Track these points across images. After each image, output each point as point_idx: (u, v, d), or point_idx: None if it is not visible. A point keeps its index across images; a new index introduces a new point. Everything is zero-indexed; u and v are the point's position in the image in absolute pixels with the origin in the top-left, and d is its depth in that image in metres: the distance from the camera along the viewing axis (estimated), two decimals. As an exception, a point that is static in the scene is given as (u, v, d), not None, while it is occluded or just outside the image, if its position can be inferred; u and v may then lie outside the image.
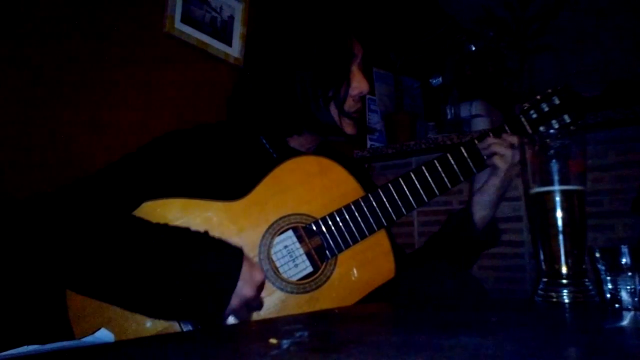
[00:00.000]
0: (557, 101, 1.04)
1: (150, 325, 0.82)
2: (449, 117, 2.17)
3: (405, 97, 2.40)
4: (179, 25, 1.53)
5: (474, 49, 2.31)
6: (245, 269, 0.78)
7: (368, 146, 2.27)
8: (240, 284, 0.77)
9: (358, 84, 1.02)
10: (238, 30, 1.71)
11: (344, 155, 1.23)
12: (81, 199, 0.84)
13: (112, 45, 1.37)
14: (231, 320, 0.83)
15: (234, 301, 0.77)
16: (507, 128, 1.03)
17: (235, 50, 1.69)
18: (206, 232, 0.81)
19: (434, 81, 2.29)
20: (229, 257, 0.78)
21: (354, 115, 1.03)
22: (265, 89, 1.00)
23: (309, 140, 1.07)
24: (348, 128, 1.03)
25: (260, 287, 0.81)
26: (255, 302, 0.82)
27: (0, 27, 1.14)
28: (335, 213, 0.94)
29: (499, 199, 1.04)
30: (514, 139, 1.01)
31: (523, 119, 1.04)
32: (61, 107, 1.24)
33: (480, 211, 1.05)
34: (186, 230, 0.81)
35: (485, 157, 1.01)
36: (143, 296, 0.76)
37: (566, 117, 1.04)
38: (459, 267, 1.09)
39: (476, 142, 1.02)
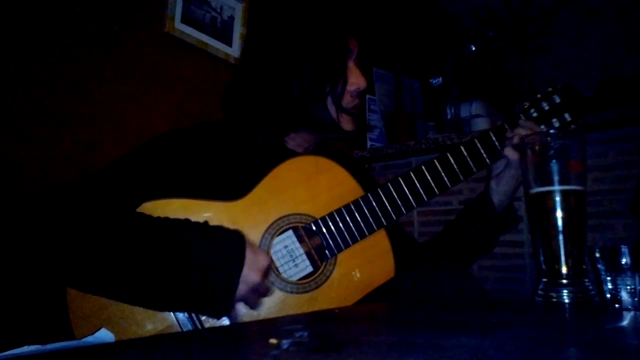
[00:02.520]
0: (557, 100, 1.04)
1: (151, 327, 0.82)
2: (449, 117, 2.18)
3: (405, 97, 2.40)
4: (179, 25, 1.53)
5: (474, 49, 2.31)
6: (248, 255, 0.78)
7: (368, 146, 2.27)
8: (245, 271, 0.76)
9: (355, 80, 1.01)
10: (238, 30, 1.71)
11: (344, 154, 1.23)
12: (80, 199, 0.84)
13: (112, 45, 1.37)
14: (241, 308, 0.83)
15: (242, 288, 0.77)
16: (507, 127, 1.03)
17: (235, 50, 1.69)
18: (205, 222, 0.81)
19: (434, 81, 2.29)
20: (231, 245, 0.78)
21: (352, 112, 1.03)
22: (262, 86, 1.00)
23: (307, 139, 1.07)
24: (346, 124, 1.02)
25: (266, 272, 0.81)
26: (263, 287, 0.82)
27: (1, 27, 1.14)
28: (334, 213, 0.94)
29: (515, 188, 1.05)
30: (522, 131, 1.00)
31: (523, 118, 1.04)
32: (61, 107, 1.24)
33: (497, 197, 1.06)
34: (186, 222, 0.80)
35: (485, 157, 1.01)
36: (147, 290, 0.76)
37: (567, 116, 1.04)
38: (476, 249, 1.11)
39: (476, 141, 1.02)
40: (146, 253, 0.76)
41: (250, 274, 0.77)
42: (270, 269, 0.84)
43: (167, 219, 0.81)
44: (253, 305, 0.84)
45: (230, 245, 0.78)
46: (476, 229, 1.09)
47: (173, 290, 0.75)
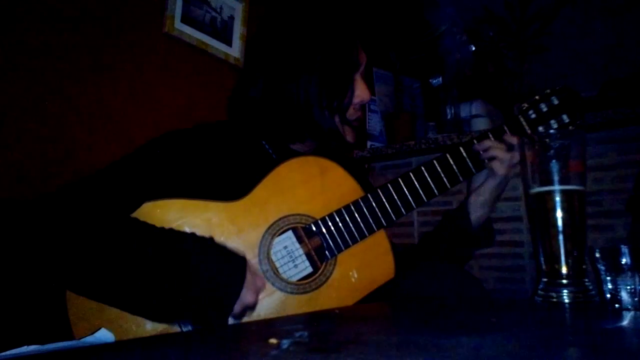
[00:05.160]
0: (555, 101, 1.04)
1: (150, 327, 0.82)
2: (449, 117, 2.17)
3: (405, 97, 2.40)
4: (179, 25, 1.53)
5: (474, 49, 2.30)
6: (248, 277, 0.79)
7: (368, 146, 2.27)
8: (243, 291, 0.78)
9: (360, 93, 1.02)
10: (238, 30, 1.71)
11: (344, 155, 1.23)
12: (81, 200, 0.84)
13: (112, 45, 1.37)
14: (229, 322, 0.83)
15: (237, 308, 0.78)
16: (506, 128, 1.03)
17: (235, 50, 1.69)
18: (211, 238, 0.82)
19: (434, 81, 2.29)
20: (233, 265, 0.79)
21: (354, 124, 1.04)
22: (268, 95, 1.00)
23: (309, 145, 1.08)
24: (349, 136, 1.04)
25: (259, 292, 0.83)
26: (254, 306, 0.83)
27: (2, 27, 1.14)
28: (334, 213, 0.94)
29: (495, 200, 1.06)
30: (514, 140, 1.01)
31: (522, 119, 1.04)
32: (61, 107, 1.24)
33: (477, 211, 1.07)
34: (191, 236, 0.81)
35: (483, 159, 1.02)
36: (144, 301, 0.76)
37: (565, 117, 1.04)
38: (451, 260, 1.11)
39: (475, 142, 1.02)
40: (146, 266, 0.76)
41: (247, 295, 0.79)
42: (263, 288, 0.85)
43: (170, 230, 0.81)
44: (241, 317, 0.84)
45: (231, 266, 0.79)
46: (449, 242, 1.09)
47: (171, 305, 0.76)
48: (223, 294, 0.76)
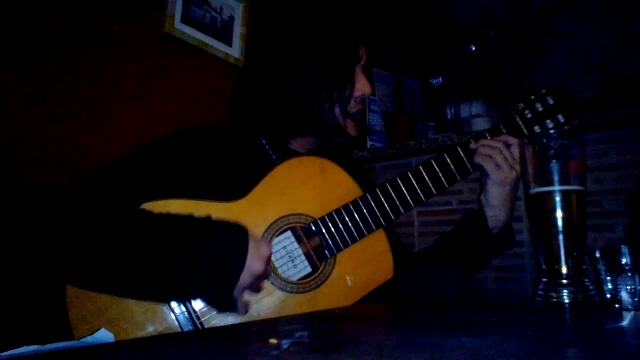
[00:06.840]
0: (551, 101, 1.05)
1: (151, 328, 0.82)
2: (449, 117, 2.17)
3: (405, 97, 2.40)
4: (179, 25, 1.53)
5: (474, 49, 2.30)
6: (252, 244, 0.79)
7: (368, 146, 2.27)
8: (249, 260, 0.78)
9: (361, 86, 1.02)
10: (238, 30, 1.71)
11: (343, 155, 1.23)
12: (81, 198, 0.84)
13: (112, 45, 1.37)
14: (243, 296, 0.83)
15: (244, 277, 0.78)
16: (502, 128, 1.04)
17: (235, 50, 1.69)
18: (209, 216, 0.82)
19: (434, 81, 2.29)
20: (235, 234, 0.79)
21: (356, 117, 1.04)
22: (269, 90, 1.00)
23: (311, 142, 1.08)
24: (351, 129, 1.03)
25: (267, 261, 0.82)
26: (265, 275, 0.83)
27: (1, 28, 1.14)
28: (333, 213, 0.94)
29: (505, 198, 1.01)
30: (510, 139, 1.01)
31: (518, 119, 1.05)
32: (61, 107, 1.24)
33: (489, 211, 1.04)
34: (190, 215, 0.81)
35: (477, 158, 1.01)
36: (150, 280, 0.76)
37: (560, 117, 1.05)
38: (470, 267, 1.08)
39: (472, 142, 1.02)
40: (150, 243, 0.76)
41: (253, 264, 0.78)
42: (270, 257, 0.84)
43: (169, 213, 0.81)
44: (256, 289, 0.84)
45: (234, 235, 0.79)
46: (467, 242, 1.07)
47: (177, 278, 0.76)
48: (228, 264, 0.76)
